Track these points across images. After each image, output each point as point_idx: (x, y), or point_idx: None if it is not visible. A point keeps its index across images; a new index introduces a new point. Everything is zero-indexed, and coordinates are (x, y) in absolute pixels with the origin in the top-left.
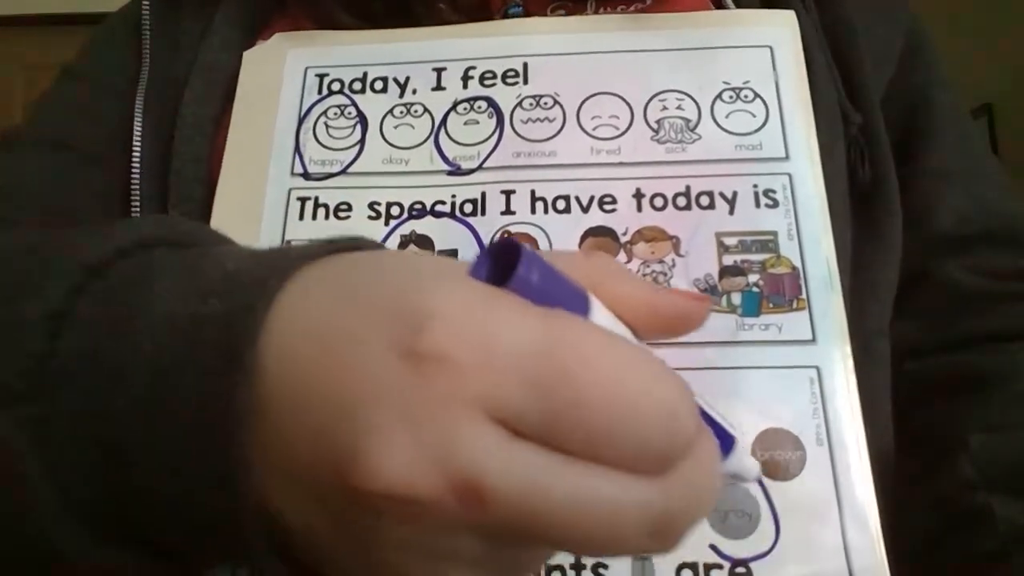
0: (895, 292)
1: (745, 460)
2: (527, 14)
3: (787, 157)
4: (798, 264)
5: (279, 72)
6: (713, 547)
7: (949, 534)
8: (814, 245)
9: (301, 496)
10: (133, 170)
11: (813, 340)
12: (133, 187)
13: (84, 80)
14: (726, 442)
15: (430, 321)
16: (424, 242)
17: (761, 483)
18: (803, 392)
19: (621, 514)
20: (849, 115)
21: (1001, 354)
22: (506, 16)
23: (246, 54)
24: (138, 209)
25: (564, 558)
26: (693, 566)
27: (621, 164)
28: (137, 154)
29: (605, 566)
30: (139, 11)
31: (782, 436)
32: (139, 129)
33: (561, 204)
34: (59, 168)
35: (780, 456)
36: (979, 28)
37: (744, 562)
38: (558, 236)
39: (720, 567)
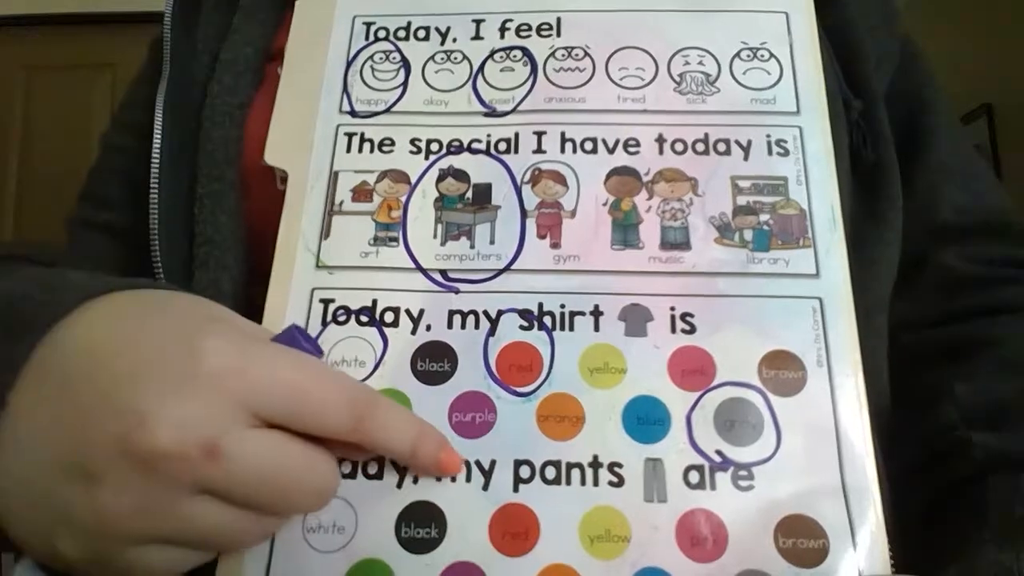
0: (895, 272)
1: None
2: None
3: (798, 111)
4: (805, 207)
5: (329, 19)
6: (719, 452)
7: (933, 463)
8: (820, 190)
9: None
10: (153, 161)
11: (816, 274)
12: (153, 176)
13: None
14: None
15: (203, 348)
16: (461, 175)
17: (765, 396)
18: (806, 319)
19: (306, 479)
20: (850, 101)
21: (988, 326)
22: None
23: (298, 3)
24: (156, 195)
25: (582, 455)
26: (700, 468)
27: (645, 111)
28: (157, 143)
29: (620, 465)
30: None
31: (786, 357)
32: (159, 122)
33: (589, 145)
34: (113, 161)
35: (784, 375)
36: (979, 28)
37: (747, 466)
38: (585, 174)
39: (724, 469)
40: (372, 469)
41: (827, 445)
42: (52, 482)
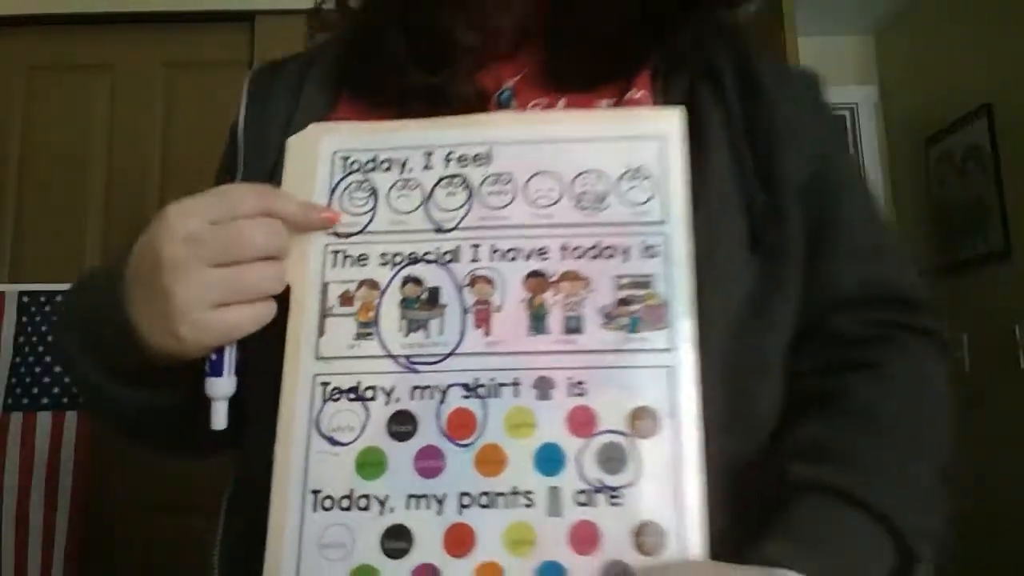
0: (791, 329)
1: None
2: (515, 97)
3: (665, 222)
4: (665, 299)
5: (315, 155)
6: (599, 480)
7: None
8: (678, 286)
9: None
10: None
11: (670, 349)
12: None
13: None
14: (216, 368)
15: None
16: (417, 281)
17: (632, 440)
18: (661, 383)
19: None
20: (756, 195)
21: (847, 378)
22: (500, 99)
23: (289, 140)
24: None
25: (506, 487)
26: (586, 491)
27: (553, 225)
28: None
29: (531, 492)
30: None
31: (647, 411)
32: None
33: (511, 255)
34: None
35: (645, 424)
36: (979, 28)
37: (618, 489)
38: (508, 277)
39: (602, 492)
40: (362, 504)
41: (671, 472)
42: (152, 289)
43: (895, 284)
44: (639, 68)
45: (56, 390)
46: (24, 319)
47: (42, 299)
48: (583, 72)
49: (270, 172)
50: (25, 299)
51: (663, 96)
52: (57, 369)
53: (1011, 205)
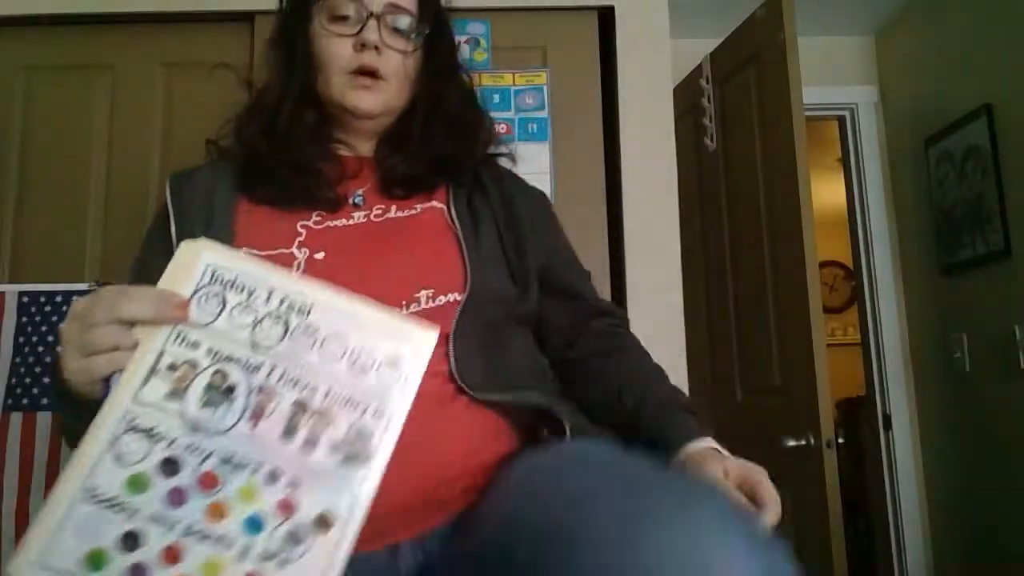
0: (533, 322)
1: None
2: (364, 201)
3: (397, 400)
4: (375, 447)
5: (196, 262)
6: (280, 549)
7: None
8: (386, 441)
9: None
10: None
11: (363, 481)
12: None
13: (145, 258)
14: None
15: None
16: (224, 375)
17: (313, 528)
18: (348, 499)
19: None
20: (509, 255)
21: (613, 350)
22: (354, 202)
23: (183, 243)
24: None
25: (234, 536)
26: (269, 553)
27: (328, 374)
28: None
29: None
30: (165, 215)
31: (330, 513)
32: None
33: (293, 383)
34: (148, 265)
35: (324, 521)
36: (979, 28)
37: (288, 558)
38: (284, 398)
39: (277, 556)
40: (117, 509)
41: (330, 556)
42: (71, 342)
43: (606, 305)
44: (437, 188)
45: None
46: (24, 319)
47: (42, 299)
48: (402, 191)
49: (204, 227)
50: (25, 299)
51: (453, 202)
52: None
53: (1011, 205)
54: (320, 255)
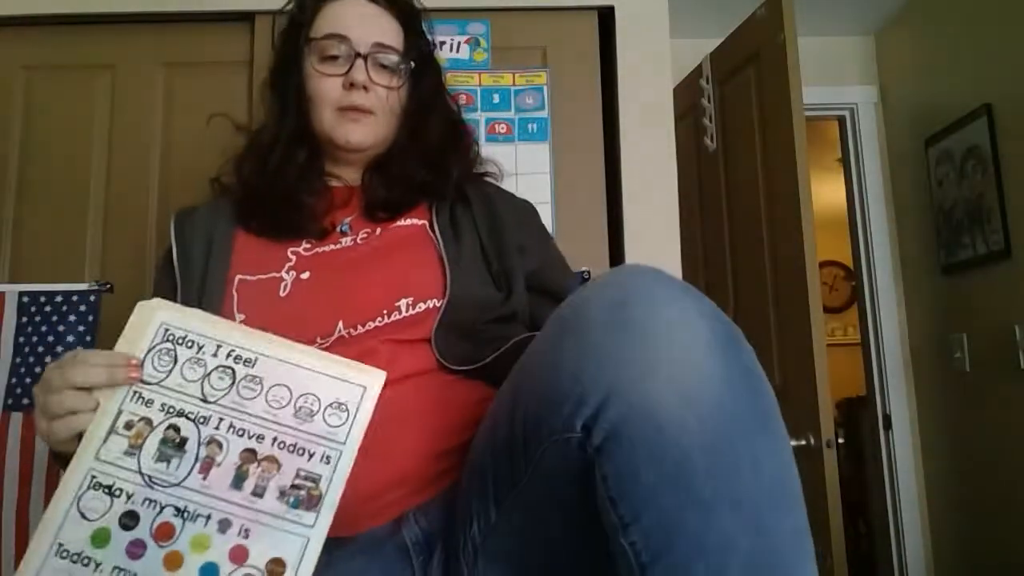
0: (511, 312)
1: None
2: (351, 228)
3: (344, 443)
4: (322, 493)
5: (151, 320)
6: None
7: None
8: (334, 488)
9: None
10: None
11: (312, 526)
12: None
13: (157, 283)
14: None
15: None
16: (176, 429)
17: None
18: (298, 546)
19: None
20: (491, 260)
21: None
22: (341, 229)
23: (139, 304)
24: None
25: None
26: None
27: (274, 422)
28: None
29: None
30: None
31: (282, 560)
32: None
33: (241, 432)
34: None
35: (276, 569)
36: (979, 28)
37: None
38: (232, 447)
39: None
40: (85, 562)
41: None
42: (37, 407)
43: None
44: (419, 205)
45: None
46: (24, 319)
47: (42, 299)
48: (385, 214)
49: (202, 272)
50: (25, 299)
51: (435, 216)
52: None
53: (1011, 205)
54: (306, 275)
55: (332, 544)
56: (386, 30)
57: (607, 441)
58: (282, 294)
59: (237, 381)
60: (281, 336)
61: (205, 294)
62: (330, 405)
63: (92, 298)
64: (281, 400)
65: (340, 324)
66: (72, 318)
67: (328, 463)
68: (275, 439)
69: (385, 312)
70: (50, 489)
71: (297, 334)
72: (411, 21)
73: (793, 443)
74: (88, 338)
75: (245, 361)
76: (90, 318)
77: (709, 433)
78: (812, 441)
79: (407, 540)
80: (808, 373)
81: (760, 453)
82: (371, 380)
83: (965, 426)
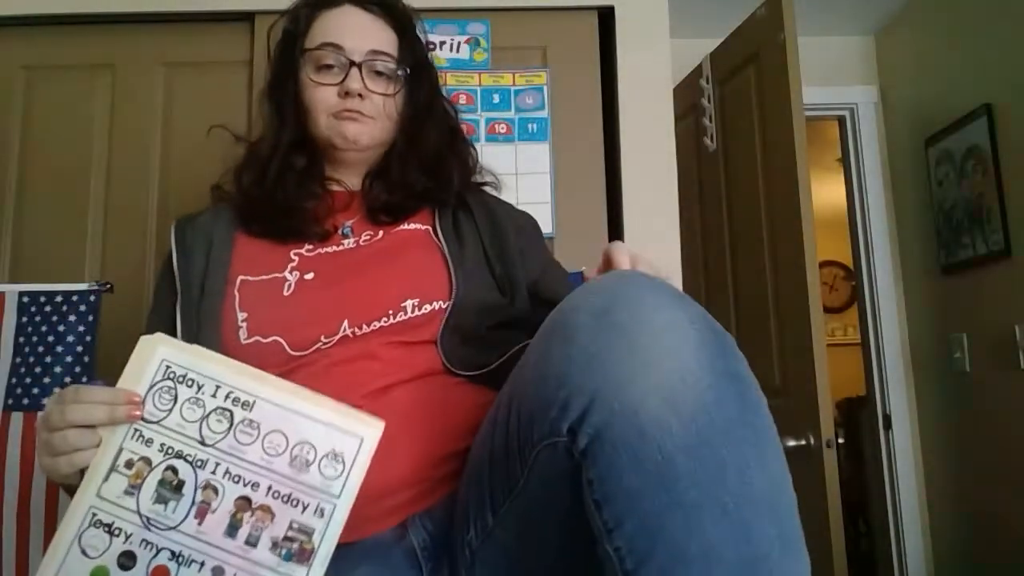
0: (511, 315)
1: None
2: (353, 231)
3: (339, 496)
4: (315, 547)
5: (151, 357)
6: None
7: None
8: (327, 541)
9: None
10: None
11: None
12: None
13: (157, 292)
14: None
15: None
16: (174, 471)
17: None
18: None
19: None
20: (493, 264)
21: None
22: (342, 232)
23: (141, 338)
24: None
25: None
26: None
27: (269, 470)
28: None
29: None
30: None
31: None
32: (179, 326)
33: (236, 479)
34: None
35: None
36: (979, 28)
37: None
38: (228, 493)
39: None
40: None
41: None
42: (39, 443)
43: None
44: (422, 210)
45: (56, 390)
46: (24, 319)
47: (42, 299)
48: (388, 217)
49: (202, 274)
50: (25, 299)
51: (438, 221)
52: (57, 369)
53: (1011, 205)
54: (310, 275)
55: (338, 550)
56: (380, 37)
57: (591, 444)
58: (286, 293)
59: (234, 425)
60: (285, 381)
61: (206, 295)
62: (326, 456)
63: (92, 298)
64: (277, 447)
65: (345, 323)
66: (72, 318)
67: (322, 516)
68: (270, 488)
69: (391, 312)
70: (50, 489)
71: (301, 333)
72: (406, 27)
73: (793, 443)
74: (88, 338)
75: (243, 404)
76: (90, 318)
77: (692, 437)
78: (812, 441)
79: (415, 545)
80: (808, 373)
81: (748, 460)
82: (369, 431)
83: (965, 426)
